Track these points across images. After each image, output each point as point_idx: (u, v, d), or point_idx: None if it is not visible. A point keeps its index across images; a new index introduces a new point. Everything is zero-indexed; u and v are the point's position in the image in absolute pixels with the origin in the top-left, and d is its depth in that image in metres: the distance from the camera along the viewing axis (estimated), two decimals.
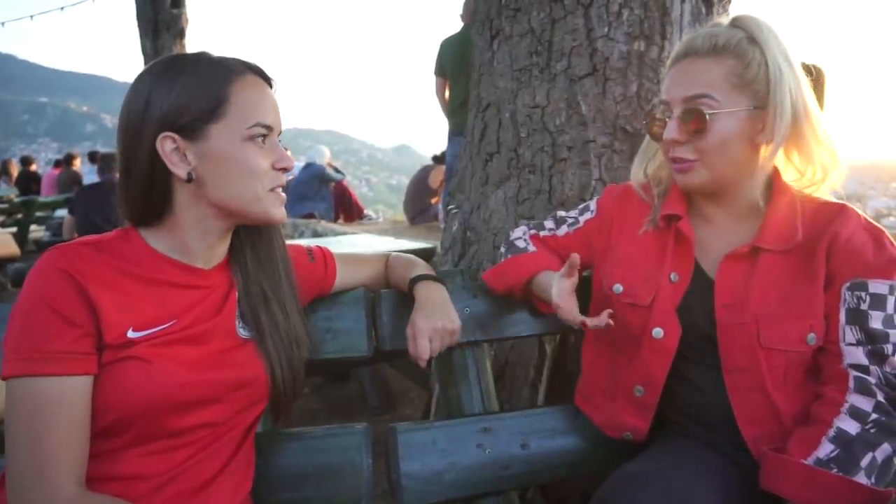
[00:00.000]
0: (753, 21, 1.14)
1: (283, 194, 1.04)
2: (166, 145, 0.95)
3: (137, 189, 0.98)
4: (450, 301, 1.25)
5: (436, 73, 5.00)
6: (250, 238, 1.11)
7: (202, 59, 0.99)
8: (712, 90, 1.11)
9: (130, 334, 0.93)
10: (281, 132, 1.04)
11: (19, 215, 7.24)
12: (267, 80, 1.03)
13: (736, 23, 1.15)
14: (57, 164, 10.57)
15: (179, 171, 0.96)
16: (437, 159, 7.25)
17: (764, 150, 1.16)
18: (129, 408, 0.92)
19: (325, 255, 1.29)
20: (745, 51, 1.11)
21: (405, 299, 1.29)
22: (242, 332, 1.07)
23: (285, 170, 1.02)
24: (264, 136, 0.99)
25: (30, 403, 0.87)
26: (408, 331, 1.20)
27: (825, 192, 1.19)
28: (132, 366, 0.92)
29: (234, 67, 0.99)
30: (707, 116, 1.11)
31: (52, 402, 0.87)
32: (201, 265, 1.04)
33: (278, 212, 1.03)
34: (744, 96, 1.12)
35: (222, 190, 0.98)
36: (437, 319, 1.19)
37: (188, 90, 0.95)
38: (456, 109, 4.73)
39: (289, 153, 1.04)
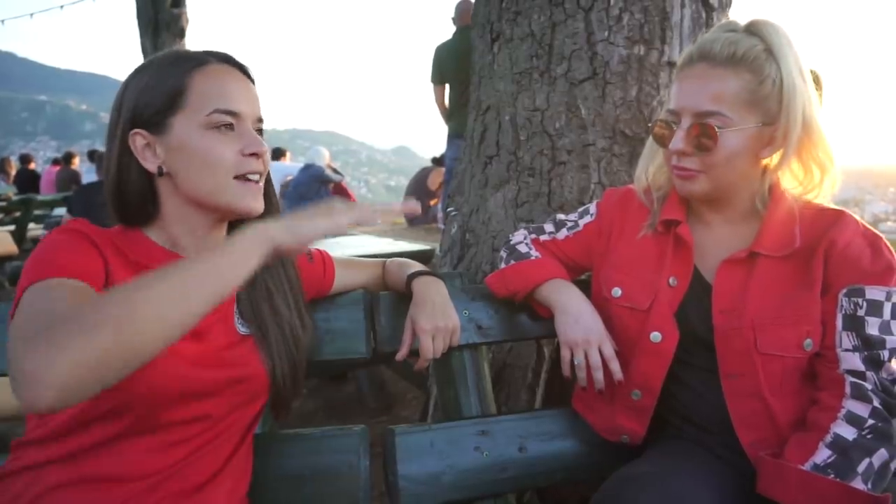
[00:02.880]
0: (772, 29, 1.11)
1: (258, 184, 1.01)
2: (137, 142, 0.97)
3: (118, 188, 0.99)
4: (448, 298, 1.25)
5: (433, 80, 4.93)
6: None
7: (168, 53, 1.00)
8: (724, 107, 1.10)
9: None
10: (261, 120, 1.02)
11: (17, 213, 7.23)
12: (238, 68, 1.02)
13: (754, 30, 1.12)
14: (56, 162, 10.54)
15: (150, 165, 0.97)
16: (437, 161, 7.26)
17: (766, 162, 1.16)
18: (130, 392, 0.90)
19: (324, 257, 1.29)
20: (761, 66, 1.09)
21: (404, 301, 1.29)
22: (241, 329, 1.07)
23: (255, 155, 0.99)
24: (229, 123, 0.98)
25: (40, 287, 0.82)
26: (406, 328, 1.20)
27: (823, 198, 1.19)
28: None
29: (195, 57, 0.99)
30: (717, 134, 1.10)
31: (64, 283, 0.83)
32: None
33: (249, 202, 0.99)
34: (754, 113, 1.11)
35: (190, 181, 0.98)
36: (437, 318, 1.19)
37: (150, 84, 0.96)
38: (455, 112, 4.72)
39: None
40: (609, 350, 1.21)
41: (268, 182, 1.07)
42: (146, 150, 0.97)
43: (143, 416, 0.94)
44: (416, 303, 1.22)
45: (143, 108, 0.96)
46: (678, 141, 1.14)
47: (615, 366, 1.21)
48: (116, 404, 0.92)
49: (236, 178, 0.98)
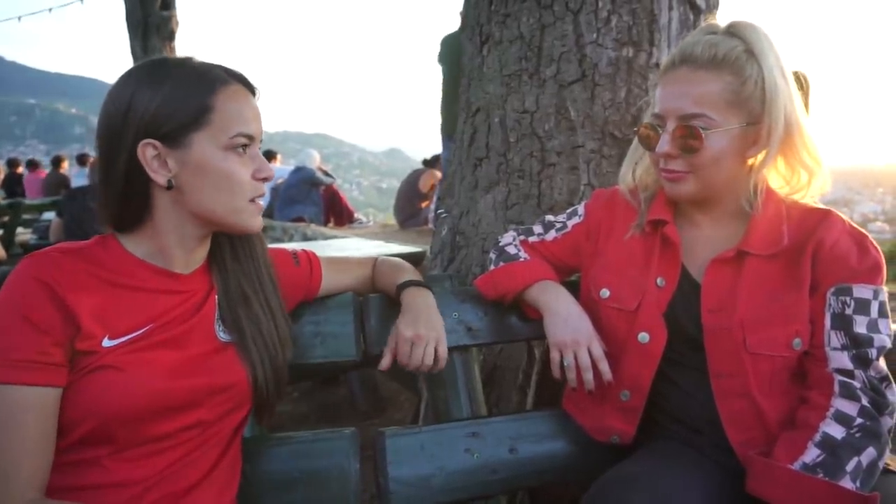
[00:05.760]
0: (752, 30, 1.12)
1: (262, 203, 1.05)
2: (147, 152, 0.94)
3: (116, 194, 0.97)
4: (436, 308, 1.25)
5: (439, 61, 4.83)
6: (229, 239, 1.11)
7: (186, 65, 0.98)
8: (708, 109, 1.10)
9: (106, 343, 0.93)
10: (261, 141, 1.04)
11: (5, 218, 7.17)
12: (250, 89, 1.03)
13: (734, 31, 1.13)
14: (31, 166, 10.69)
15: (160, 178, 0.95)
16: (428, 163, 7.26)
17: (753, 161, 1.17)
18: (107, 416, 0.91)
19: (311, 259, 1.29)
20: (743, 66, 1.10)
21: (394, 303, 1.29)
22: (222, 336, 1.06)
23: (265, 180, 1.03)
24: (245, 145, 0.99)
25: None
26: (390, 337, 1.20)
27: (812, 198, 1.20)
28: (107, 375, 0.92)
29: (219, 76, 0.98)
30: (703, 135, 1.11)
31: (17, 410, 0.87)
32: (180, 270, 1.04)
33: (255, 222, 1.04)
34: (738, 114, 1.11)
35: (202, 199, 0.98)
36: (420, 326, 1.18)
37: (172, 97, 0.94)
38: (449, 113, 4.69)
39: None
40: (598, 351, 1.22)
41: None
42: (155, 161, 0.95)
43: (126, 436, 0.94)
44: (401, 313, 1.22)
45: (162, 121, 0.94)
46: (664, 144, 1.15)
47: (604, 366, 1.21)
48: (98, 426, 0.92)
49: (250, 201, 1.01)
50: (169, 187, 0.96)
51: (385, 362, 1.20)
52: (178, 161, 0.96)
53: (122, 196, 0.97)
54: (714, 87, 1.11)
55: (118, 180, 0.96)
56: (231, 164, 0.98)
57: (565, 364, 1.22)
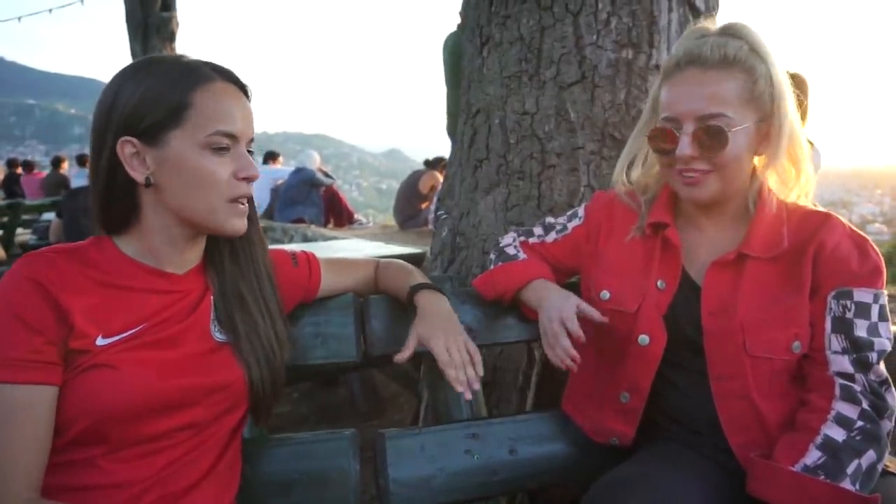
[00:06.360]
0: (750, 31, 1.13)
1: (245, 205, 1.02)
2: (126, 149, 0.95)
3: (103, 193, 0.98)
4: (454, 313, 1.23)
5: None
6: (229, 240, 1.10)
7: (172, 62, 0.97)
8: (726, 107, 1.10)
9: (99, 342, 0.93)
10: (252, 140, 1.02)
11: (5, 218, 7.16)
12: (240, 87, 1.01)
13: (734, 32, 1.14)
14: (27, 168, 10.76)
15: (138, 175, 0.95)
16: (429, 164, 7.26)
17: (758, 161, 1.17)
18: (100, 414, 0.91)
19: (310, 260, 1.28)
20: (753, 65, 1.11)
21: (395, 305, 1.29)
22: (218, 336, 1.06)
23: (249, 179, 1.00)
24: (226, 146, 0.97)
25: None
26: (409, 340, 1.17)
27: (805, 196, 1.20)
28: (101, 373, 0.92)
29: (202, 73, 0.97)
30: (728, 133, 1.10)
31: (14, 409, 0.87)
32: (173, 270, 1.04)
33: (236, 224, 1.01)
34: (751, 111, 1.12)
35: (179, 198, 0.97)
36: (449, 333, 1.16)
37: (150, 94, 0.94)
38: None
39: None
40: (568, 311, 1.18)
41: (248, 199, 1.06)
42: (134, 159, 0.95)
43: (121, 435, 0.94)
44: (422, 316, 1.19)
45: (139, 118, 0.93)
46: (685, 147, 1.13)
47: (580, 318, 1.18)
48: (91, 425, 0.92)
49: (229, 201, 0.99)
50: (147, 185, 0.96)
51: (404, 356, 1.15)
52: (156, 159, 0.95)
53: (107, 193, 0.98)
54: (729, 87, 1.11)
55: (104, 179, 0.97)
56: (206, 162, 0.95)
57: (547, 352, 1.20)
